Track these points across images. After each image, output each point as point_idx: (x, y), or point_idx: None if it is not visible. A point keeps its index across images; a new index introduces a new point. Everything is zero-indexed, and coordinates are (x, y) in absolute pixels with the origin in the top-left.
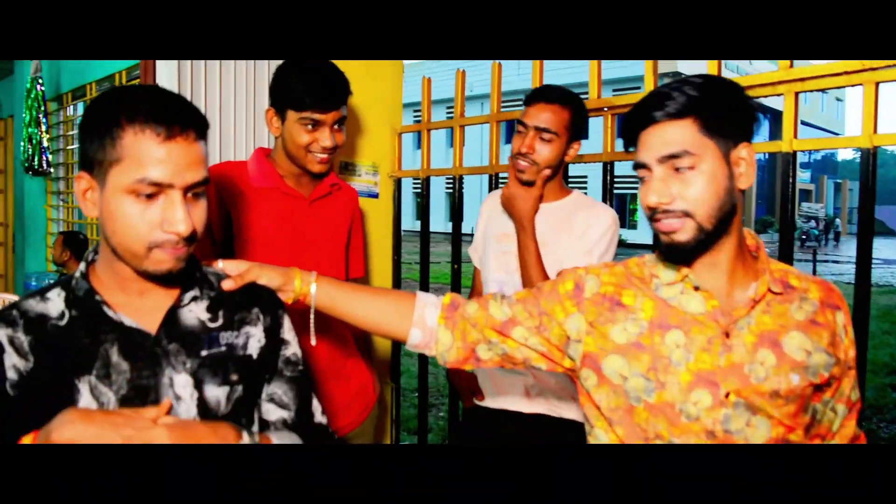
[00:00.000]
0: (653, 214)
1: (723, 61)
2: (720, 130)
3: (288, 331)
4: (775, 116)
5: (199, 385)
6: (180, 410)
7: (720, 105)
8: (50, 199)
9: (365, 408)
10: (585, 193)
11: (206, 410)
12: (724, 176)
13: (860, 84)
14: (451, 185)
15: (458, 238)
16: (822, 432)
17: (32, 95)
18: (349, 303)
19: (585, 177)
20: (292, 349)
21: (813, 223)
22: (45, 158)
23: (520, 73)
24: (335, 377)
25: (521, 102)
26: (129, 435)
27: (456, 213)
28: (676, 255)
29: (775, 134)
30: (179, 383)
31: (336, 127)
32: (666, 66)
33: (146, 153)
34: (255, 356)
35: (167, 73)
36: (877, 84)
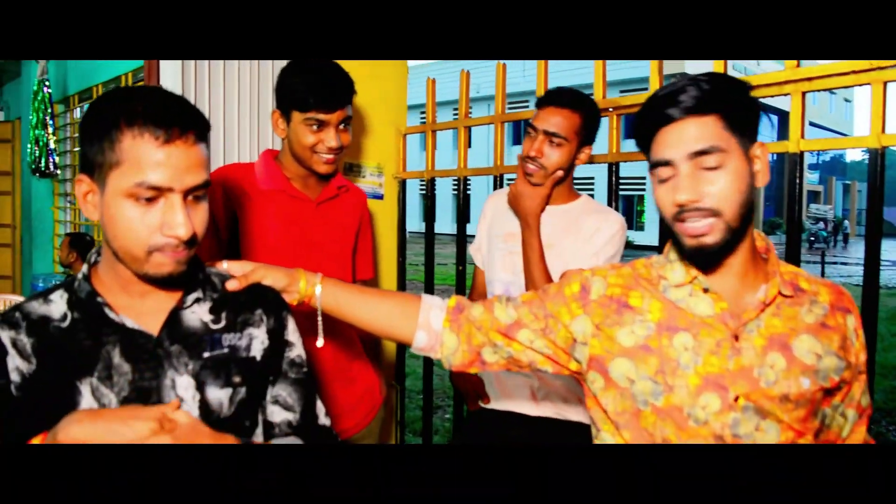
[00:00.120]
0: (678, 214)
1: (730, 62)
2: (741, 127)
3: (292, 332)
4: (783, 117)
5: (200, 387)
6: None
7: (738, 102)
8: (57, 200)
9: (371, 409)
10: (592, 195)
11: (207, 412)
12: (747, 173)
13: (868, 83)
14: (457, 186)
15: (462, 239)
16: (831, 438)
17: (39, 98)
18: (354, 305)
19: (592, 178)
20: (297, 351)
21: (821, 225)
22: (52, 160)
23: (525, 75)
24: (341, 379)
25: (526, 103)
26: (140, 427)
27: (461, 214)
28: (703, 258)
29: (783, 135)
30: (181, 385)
31: (341, 127)
32: (673, 66)
33: (145, 156)
34: (258, 358)
35: (171, 74)
36: (885, 83)
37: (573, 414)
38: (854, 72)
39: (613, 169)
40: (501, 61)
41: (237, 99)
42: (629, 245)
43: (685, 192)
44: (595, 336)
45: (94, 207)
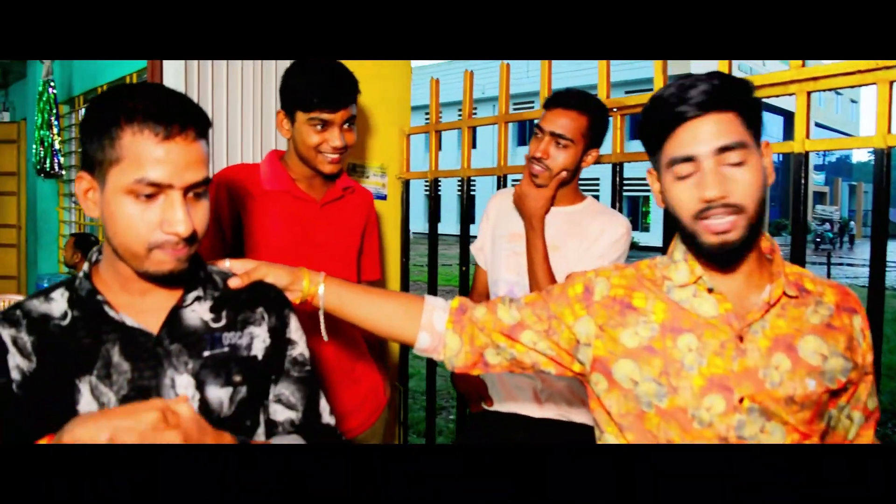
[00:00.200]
0: (702, 211)
1: (735, 62)
2: (755, 125)
3: (295, 331)
4: (788, 118)
5: (200, 386)
6: None
7: (751, 99)
8: (62, 201)
9: (374, 410)
10: (598, 196)
11: (207, 412)
12: (763, 170)
13: (874, 83)
14: (462, 187)
15: (466, 240)
16: (837, 440)
17: (44, 99)
18: (357, 305)
19: (598, 179)
20: (299, 349)
21: (827, 226)
22: (56, 161)
23: (529, 75)
24: (345, 380)
25: (532, 104)
26: (144, 418)
27: (464, 214)
28: (726, 256)
29: (788, 135)
30: (181, 384)
31: (346, 126)
32: (678, 67)
33: (144, 153)
34: (259, 357)
35: (174, 74)
36: (891, 83)
37: (577, 415)
38: (860, 71)
39: (617, 169)
40: (505, 62)
41: (240, 99)
42: (634, 246)
43: (713, 187)
44: (598, 337)
45: (95, 204)
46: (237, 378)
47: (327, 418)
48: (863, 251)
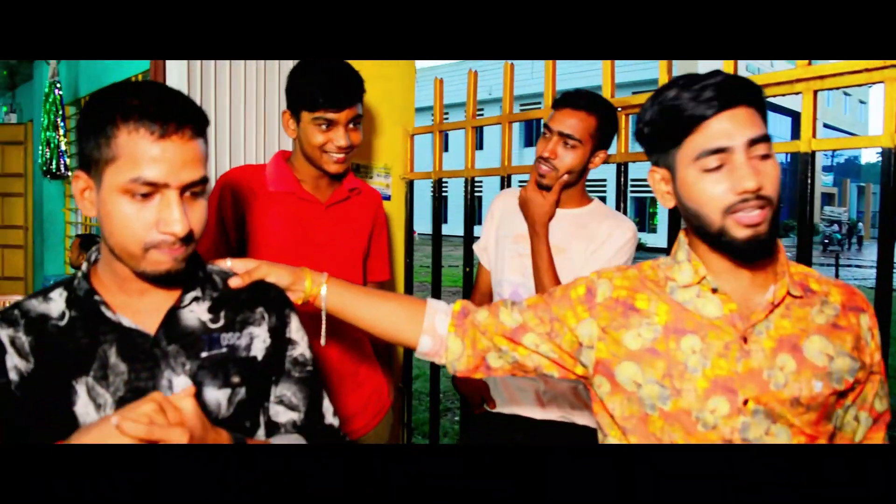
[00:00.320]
0: (735, 204)
1: (744, 62)
2: (765, 122)
3: (296, 331)
4: (796, 119)
5: (197, 387)
6: None
7: (762, 97)
8: (68, 202)
9: (378, 412)
10: (605, 198)
11: (205, 413)
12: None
13: (881, 81)
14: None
15: (470, 241)
16: (845, 443)
17: (51, 100)
18: (359, 307)
19: (604, 180)
20: (300, 349)
21: (836, 227)
22: (62, 162)
23: (533, 76)
24: (348, 382)
25: (539, 104)
26: (143, 409)
27: (468, 215)
28: (754, 251)
29: (796, 136)
30: (178, 385)
31: (351, 126)
32: (686, 67)
33: (140, 152)
34: (259, 357)
35: (177, 74)
36: None
37: (579, 418)
38: (867, 70)
39: (622, 169)
40: (509, 61)
41: (243, 99)
42: (641, 247)
43: (751, 178)
44: (601, 339)
45: (91, 204)
46: (235, 379)
47: (330, 419)
48: (871, 253)
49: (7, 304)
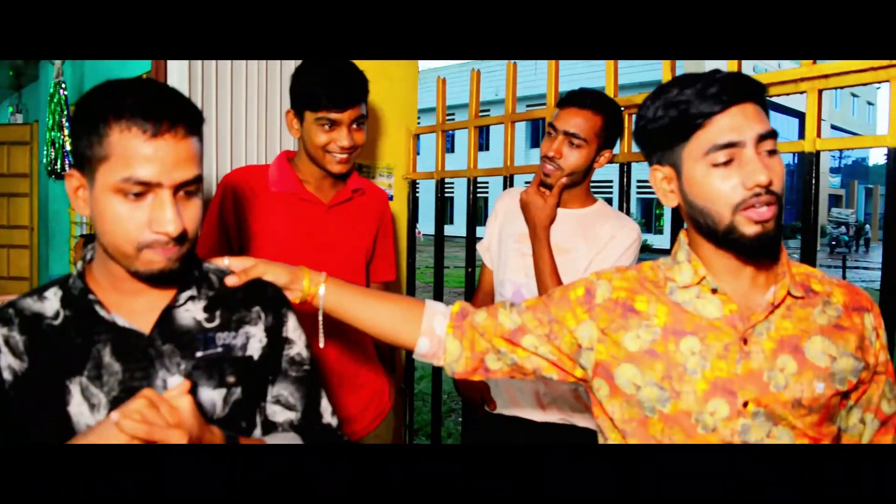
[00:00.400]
0: (747, 199)
1: (751, 61)
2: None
3: (293, 330)
4: (803, 119)
5: (192, 387)
6: None
7: (765, 95)
8: None
9: (378, 414)
10: (611, 199)
11: (200, 413)
12: None
13: (887, 80)
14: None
15: (472, 241)
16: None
17: (56, 100)
18: (357, 307)
19: (612, 181)
20: (297, 349)
21: (843, 229)
22: (67, 162)
23: (536, 75)
24: (348, 384)
25: (545, 105)
26: (133, 405)
27: (471, 215)
28: (761, 248)
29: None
30: (172, 385)
31: (355, 126)
32: (691, 68)
33: (133, 151)
34: (255, 357)
35: (178, 74)
36: None
37: (580, 420)
38: (872, 69)
39: (625, 169)
40: (512, 61)
41: (245, 99)
42: (647, 248)
43: (762, 173)
44: (601, 341)
45: (85, 203)
46: (231, 379)
47: (328, 419)
48: (879, 254)
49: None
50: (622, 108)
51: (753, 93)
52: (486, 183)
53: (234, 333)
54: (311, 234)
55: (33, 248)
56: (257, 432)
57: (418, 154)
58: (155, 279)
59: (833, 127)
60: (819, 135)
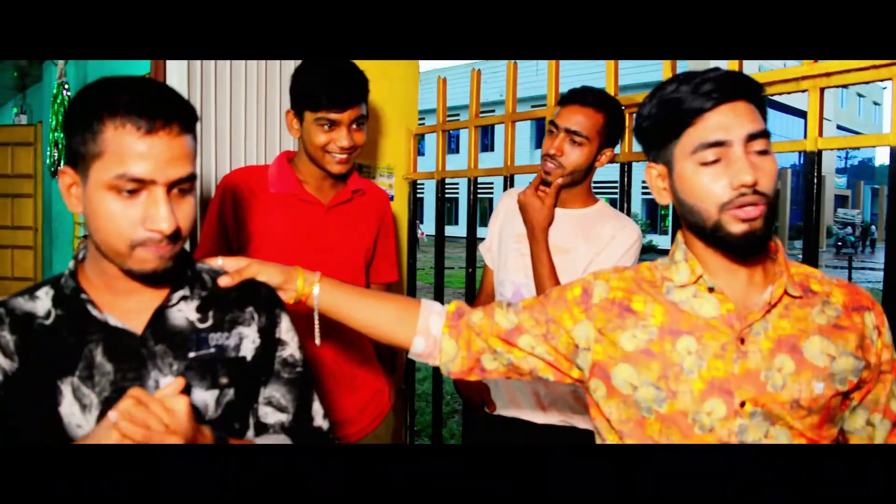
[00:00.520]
0: (734, 198)
1: (754, 61)
2: (764, 118)
3: (286, 331)
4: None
5: (185, 388)
6: None
7: (762, 94)
8: None
9: (377, 416)
10: (616, 200)
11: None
12: None
13: (889, 79)
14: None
15: (473, 242)
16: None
17: (59, 101)
18: (352, 306)
19: (616, 182)
20: (290, 350)
21: (849, 229)
22: None
23: (538, 75)
24: (346, 385)
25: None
26: (122, 405)
27: (471, 215)
28: (749, 247)
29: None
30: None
31: (354, 126)
32: (692, 68)
33: (127, 148)
34: (248, 358)
35: (177, 74)
36: None
37: (580, 421)
38: (874, 66)
39: (626, 169)
40: (513, 61)
41: (244, 99)
42: (652, 249)
43: (748, 172)
44: (598, 341)
45: (78, 200)
46: (224, 380)
47: (319, 421)
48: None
49: None
50: (623, 107)
51: (746, 91)
52: (491, 184)
53: (227, 334)
54: (310, 235)
55: (37, 248)
56: (250, 434)
57: (422, 155)
58: (148, 278)
59: (839, 127)
60: (821, 134)
